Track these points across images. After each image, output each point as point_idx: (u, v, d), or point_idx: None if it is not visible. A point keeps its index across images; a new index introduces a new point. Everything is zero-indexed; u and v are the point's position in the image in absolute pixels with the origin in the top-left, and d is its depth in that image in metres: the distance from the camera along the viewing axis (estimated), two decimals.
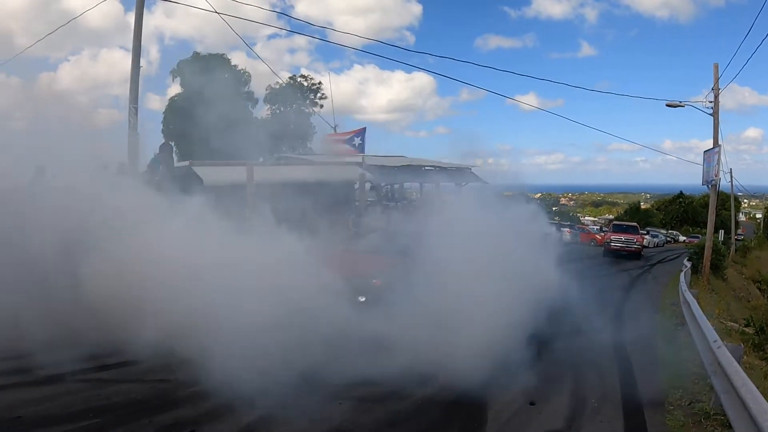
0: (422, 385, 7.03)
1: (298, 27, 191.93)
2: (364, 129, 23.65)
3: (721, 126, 22.81)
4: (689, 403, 7.49)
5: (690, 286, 16.37)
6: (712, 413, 6.97)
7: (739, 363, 6.66)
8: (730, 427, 6.27)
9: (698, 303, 11.90)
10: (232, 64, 43.63)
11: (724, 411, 6.54)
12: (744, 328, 14.98)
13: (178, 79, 40.53)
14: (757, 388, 5.76)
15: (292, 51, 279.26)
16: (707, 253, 23.26)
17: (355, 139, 23.31)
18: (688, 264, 24.15)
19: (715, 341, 7.15)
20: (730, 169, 49.76)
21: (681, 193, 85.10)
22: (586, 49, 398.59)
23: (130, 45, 17.97)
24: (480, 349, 7.42)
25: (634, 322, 12.80)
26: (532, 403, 6.96)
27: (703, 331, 8.08)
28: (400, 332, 7.61)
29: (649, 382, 8.29)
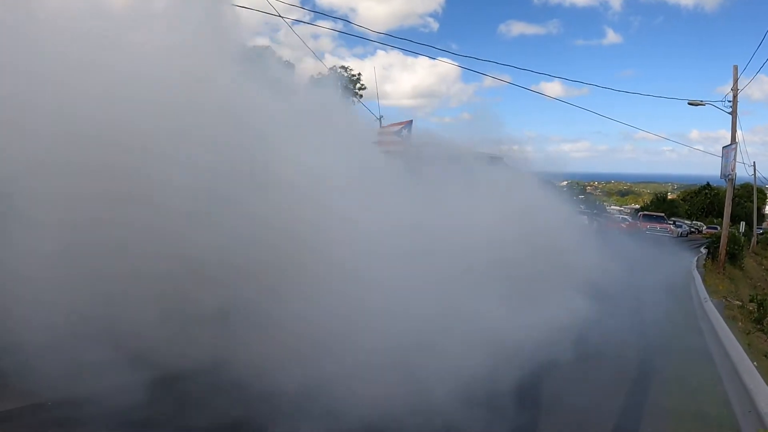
0: None
1: (322, 16, 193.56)
2: (411, 121, 25.99)
3: (750, 117, 25.06)
4: (685, 347, 9.97)
5: (704, 271, 18.64)
6: (700, 351, 9.44)
7: (721, 315, 9.09)
8: (711, 360, 8.75)
9: (704, 281, 14.27)
10: (277, 55, 46.42)
11: (708, 350, 9.01)
12: (748, 305, 17.20)
13: None
14: (739, 341, 8.22)
15: (315, 36, 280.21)
16: (723, 241, 25.29)
17: (403, 131, 25.69)
18: (704, 251, 26.29)
19: (704, 298, 9.60)
20: (753, 162, 50.79)
21: (708, 184, 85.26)
22: (611, 36, 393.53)
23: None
24: None
25: (651, 297, 15.18)
26: None
27: (698, 292, 10.51)
28: None
29: (658, 335, 10.75)
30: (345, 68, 51.51)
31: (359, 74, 50.11)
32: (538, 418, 6.18)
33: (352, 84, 49.99)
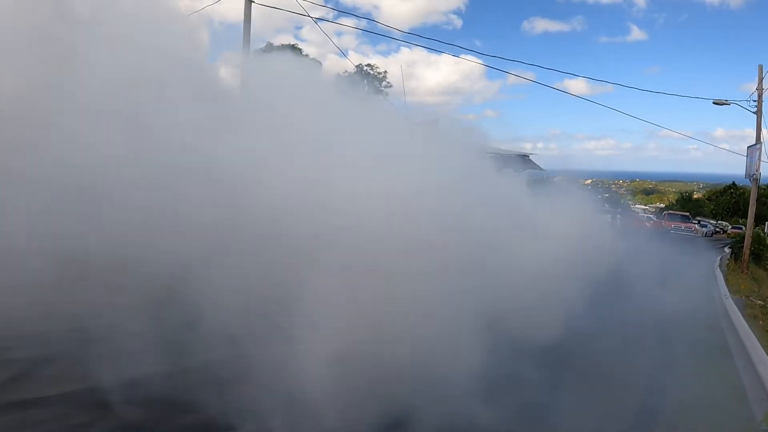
0: None
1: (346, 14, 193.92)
2: (438, 120, 26.51)
3: None
4: (706, 340, 10.33)
5: (727, 270, 18.89)
6: (721, 346, 9.80)
7: (741, 311, 9.46)
8: (730, 353, 9.13)
9: (727, 280, 14.56)
10: (303, 53, 47.12)
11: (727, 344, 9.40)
12: None
13: None
14: (757, 336, 8.59)
15: (339, 34, 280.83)
16: (747, 242, 25.35)
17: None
18: (728, 251, 26.39)
19: (725, 295, 9.97)
20: None
21: (733, 183, 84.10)
22: (636, 33, 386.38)
23: None
24: None
25: (672, 294, 15.50)
26: None
27: (720, 289, 10.88)
28: None
29: (683, 328, 11.10)
30: (371, 66, 52.22)
31: (385, 72, 50.78)
32: (561, 397, 6.63)
33: (378, 82, 50.64)
